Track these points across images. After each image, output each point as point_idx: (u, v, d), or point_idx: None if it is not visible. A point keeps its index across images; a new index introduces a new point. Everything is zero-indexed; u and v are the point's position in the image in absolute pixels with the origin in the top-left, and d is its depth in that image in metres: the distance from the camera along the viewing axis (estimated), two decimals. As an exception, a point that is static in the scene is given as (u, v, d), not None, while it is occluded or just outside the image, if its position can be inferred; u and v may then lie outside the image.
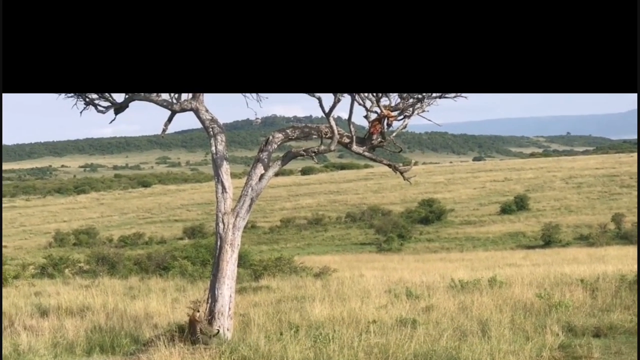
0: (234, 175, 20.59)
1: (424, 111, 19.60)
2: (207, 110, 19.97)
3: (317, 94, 18.30)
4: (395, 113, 19.59)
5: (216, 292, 18.95)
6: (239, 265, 20.77)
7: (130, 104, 20.74)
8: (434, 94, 19.30)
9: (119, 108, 20.74)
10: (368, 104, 19.48)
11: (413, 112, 19.60)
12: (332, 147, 19.44)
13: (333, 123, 19.10)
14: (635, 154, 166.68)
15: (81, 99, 20.38)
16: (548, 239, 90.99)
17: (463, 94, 18.54)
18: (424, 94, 19.26)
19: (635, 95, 16.38)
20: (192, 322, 18.53)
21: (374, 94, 19.18)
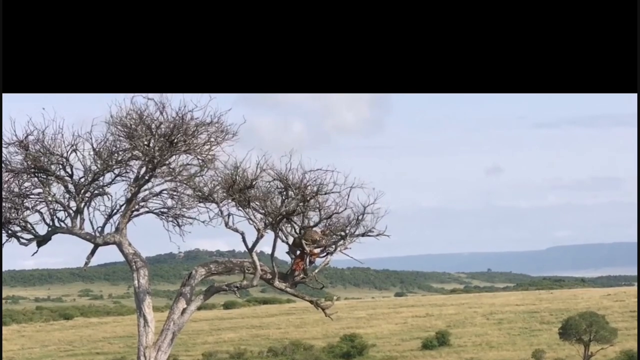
0: (156, 309, 20.56)
1: (346, 248, 19.78)
2: (130, 244, 20.01)
3: (241, 230, 18.48)
4: (317, 250, 19.76)
5: None
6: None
7: (53, 237, 20.67)
8: (357, 232, 19.59)
9: (42, 240, 20.66)
10: (291, 240, 19.67)
11: (335, 249, 19.79)
12: (255, 283, 19.52)
13: (256, 259, 19.21)
14: (554, 292, 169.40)
15: (4, 231, 20.28)
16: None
17: (385, 233, 18.90)
18: (347, 231, 19.52)
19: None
20: None
21: (297, 232, 19.39)
